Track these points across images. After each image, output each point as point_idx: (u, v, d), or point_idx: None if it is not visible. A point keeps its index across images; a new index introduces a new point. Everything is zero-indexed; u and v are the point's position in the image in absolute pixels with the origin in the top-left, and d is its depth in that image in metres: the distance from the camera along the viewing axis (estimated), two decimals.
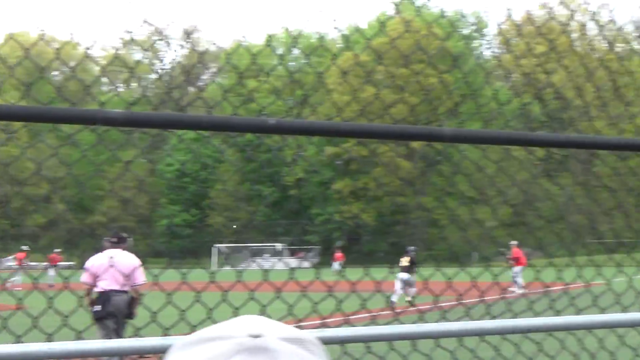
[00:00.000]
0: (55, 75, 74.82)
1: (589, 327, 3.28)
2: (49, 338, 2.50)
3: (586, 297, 3.49)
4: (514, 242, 29.53)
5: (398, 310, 2.91)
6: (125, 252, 10.84)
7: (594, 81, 3.87)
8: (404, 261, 24.12)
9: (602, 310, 3.54)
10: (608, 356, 3.55)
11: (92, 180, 71.47)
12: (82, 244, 79.96)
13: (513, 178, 3.13)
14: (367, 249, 70.66)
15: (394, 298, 22.01)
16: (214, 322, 2.75)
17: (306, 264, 70.20)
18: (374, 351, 3.09)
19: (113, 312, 10.38)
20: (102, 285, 10.50)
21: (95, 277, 10.50)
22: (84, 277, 10.64)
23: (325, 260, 65.18)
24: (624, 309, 3.60)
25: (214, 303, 2.82)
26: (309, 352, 1.03)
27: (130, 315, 10.42)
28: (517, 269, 27.23)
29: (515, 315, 3.31)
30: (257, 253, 69.71)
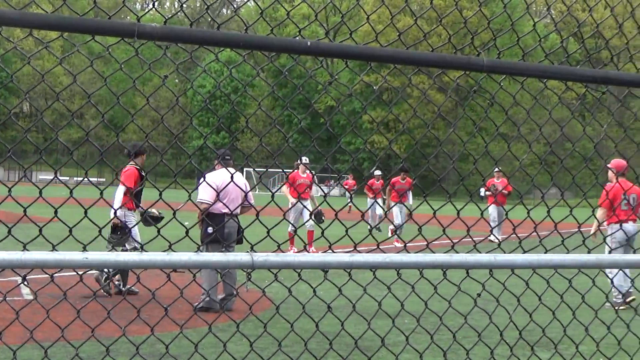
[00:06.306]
0: None
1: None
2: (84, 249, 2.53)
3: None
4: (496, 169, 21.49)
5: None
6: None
7: (636, 20, 3.79)
8: None
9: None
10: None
11: (124, 97, 71.71)
12: (114, 161, 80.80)
13: (547, 115, 3.07)
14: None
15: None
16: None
17: (335, 192, 70.47)
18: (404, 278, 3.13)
19: (225, 236, 9.55)
20: (219, 207, 9.49)
21: (216, 197, 9.42)
22: (205, 195, 9.70)
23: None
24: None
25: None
26: None
27: (240, 240, 9.29)
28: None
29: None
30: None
